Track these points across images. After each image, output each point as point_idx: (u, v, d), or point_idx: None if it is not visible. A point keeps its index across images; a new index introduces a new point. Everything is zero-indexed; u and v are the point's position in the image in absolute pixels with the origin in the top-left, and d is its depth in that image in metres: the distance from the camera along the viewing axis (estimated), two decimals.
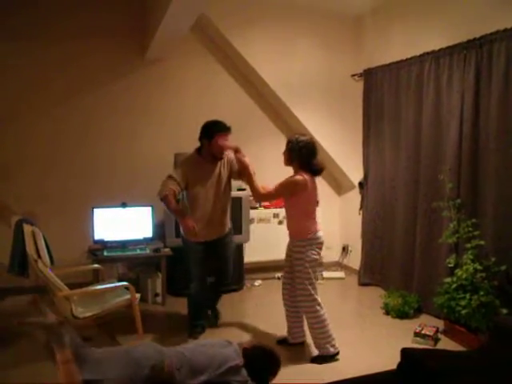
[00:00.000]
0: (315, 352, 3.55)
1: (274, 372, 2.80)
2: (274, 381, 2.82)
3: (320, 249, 3.56)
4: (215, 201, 3.73)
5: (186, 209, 3.77)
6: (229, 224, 3.95)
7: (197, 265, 3.85)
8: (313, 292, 3.46)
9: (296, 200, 3.48)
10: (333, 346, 3.48)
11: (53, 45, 4.77)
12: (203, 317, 4.05)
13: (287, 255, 3.69)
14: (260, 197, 3.68)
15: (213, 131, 3.63)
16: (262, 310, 4.56)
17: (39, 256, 3.42)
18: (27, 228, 3.47)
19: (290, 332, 3.74)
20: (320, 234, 3.55)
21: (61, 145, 4.94)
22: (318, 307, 3.47)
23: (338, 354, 3.50)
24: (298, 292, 3.51)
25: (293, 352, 3.63)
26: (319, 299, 3.49)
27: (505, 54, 3.65)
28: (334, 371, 3.31)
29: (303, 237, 3.48)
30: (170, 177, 3.63)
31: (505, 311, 3.54)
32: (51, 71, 4.83)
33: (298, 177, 3.43)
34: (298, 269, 3.48)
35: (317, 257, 3.52)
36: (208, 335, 3.93)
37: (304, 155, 3.44)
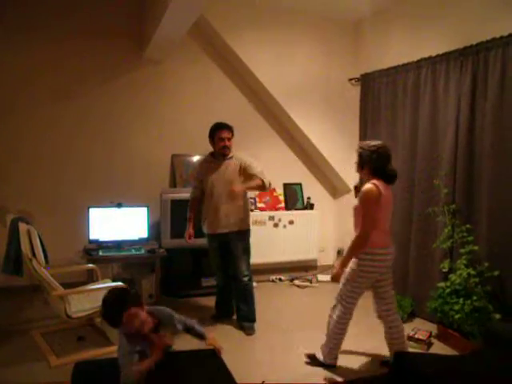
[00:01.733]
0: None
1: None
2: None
3: (381, 267, 3.19)
4: (220, 196, 4.01)
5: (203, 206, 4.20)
6: (242, 224, 4.09)
7: (212, 256, 4.28)
8: (347, 306, 3.24)
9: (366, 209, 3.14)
10: (330, 358, 3.36)
11: (48, 43, 4.75)
12: (221, 308, 4.39)
13: None
14: (360, 242, 3.12)
15: (213, 130, 4.07)
16: (258, 311, 4.57)
17: (34, 255, 3.42)
18: (22, 227, 3.47)
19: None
20: (388, 250, 3.20)
21: (57, 144, 4.92)
22: (342, 325, 3.29)
23: (332, 366, 3.38)
24: (337, 298, 3.30)
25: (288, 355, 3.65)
26: (349, 316, 3.29)
27: (501, 61, 3.69)
28: (327, 374, 3.32)
29: (364, 250, 3.13)
30: (193, 187, 4.28)
31: (497, 316, 3.56)
32: (48, 70, 4.81)
33: (369, 186, 3.11)
34: (347, 278, 3.21)
35: (372, 275, 3.18)
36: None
37: (375, 160, 3.14)
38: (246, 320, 4.13)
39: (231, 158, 4.07)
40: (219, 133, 4.01)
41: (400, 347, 3.26)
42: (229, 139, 4.03)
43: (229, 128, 4.05)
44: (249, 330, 4.06)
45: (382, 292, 3.29)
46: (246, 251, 4.14)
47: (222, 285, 4.32)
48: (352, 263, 3.18)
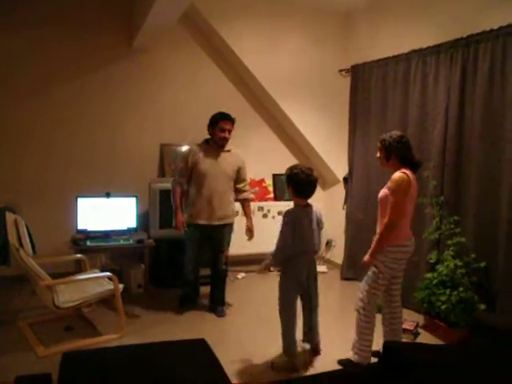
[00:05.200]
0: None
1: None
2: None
3: (404, 259, 3.19)
4: (216, 188, 3.99)
5: (188, 195, 4.11)
6: (231, 219, 4.18)
7: (191, 248, 4.15)
8: (371, 301, 3.18)
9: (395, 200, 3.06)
10: (361, 356, 3.22)
11: (33, 29, 4.65)
12: (190, 298, 4.36)
13: None
14: (388, 231, 3.05)
15: (217, 119, 3.98)
16: (245, 302, 4.59)
17: (21, 245, 3.39)
18: (9, 216, 3.43)
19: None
20: (410, 241, 3.20)
21: (45, 133, 4.86)
22: (366, 316, 3.19)
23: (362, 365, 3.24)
24: (359, 293, 3.23)
25: None
26: (372, 310, 3.21)
27: (490, 54, 3.71)
28: (316, 364, 3.35)
29: (391, 242, 3.09)
30: (179, 175, 4.10)
31: (483, 307, 3.61)
32: (33, 57, 4.73)
33: (400, 174, 3.07)
34: (372, 270, 3.16)
35: (397, 266, 3.16)
36: (209, 327, 3.95)
37: (402, 149, 3.14)
38: (219, 304, 4.27)
39: (229, 151, 4.09)
40: (222, 123, 3.95)
41: (397, 339, 3.29)
42: (229, 131, 4.01)
43: (232, 120, 4.02)
44: (221, 313, 4.21)
45: (394, 283, 3.29)
46: (229, 242, 4.27)
47: (193, 276, 4.28)
48: (377, 255, 3.13)
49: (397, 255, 3.12)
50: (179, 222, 4.07)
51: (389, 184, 3.11)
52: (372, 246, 3.14)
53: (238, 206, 5.26)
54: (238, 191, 4.23)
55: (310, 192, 3.26)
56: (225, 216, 4.09)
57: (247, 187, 4.31)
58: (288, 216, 3.23)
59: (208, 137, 4.08)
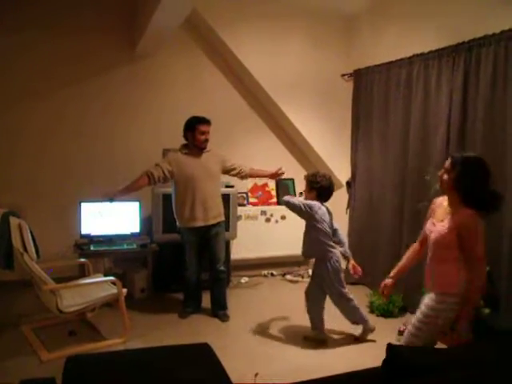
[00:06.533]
0: None
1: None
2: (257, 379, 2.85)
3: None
4: (205, 189, 4.10)
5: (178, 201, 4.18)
6: (222, 217, 4.29)
7: (190, 251, 4.23)
8: None
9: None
10: None
11: (35, 30, 4.69)
12: (194, 302, 4.37)
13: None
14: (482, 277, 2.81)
15: (194, 123, 4.10)
16: (248, 306, 4.59)
17: (25, 249, 3.41)
18: (13, 221, 3.45)
19: None
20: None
21: (49, 138, 4.89)
22: None
23: None
24: None
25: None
26: None
27: (492, 58, 3.70)
28: (319, 368, 3.34)
29: (453, 290, 2.67)
30: (156, 165, 4.13)
31: (487, 311, 3.60)
32: (36, 60, 4.77)
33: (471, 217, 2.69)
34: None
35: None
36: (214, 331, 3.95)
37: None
38: (220, 308, 4.31)
39: (209, 151, 4.21)
40: (201, 126, 4.09)
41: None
42: (208, 133, 4.14)
43: (209, 122, 4.16)
44: (224, 317, 4.25)
45: None
46: (225, 240, 4.40)
47: (195, 279, 4.31)
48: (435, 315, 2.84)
49: (456, 308, 2.75)
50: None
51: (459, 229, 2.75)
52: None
53: (239, 209, 5.28)
54: (237, 175, 4.40)
55: (329, 197, 3.80)
56: (218, 214, 4.24)
57: (238, 165, 4.39)
58: (313, 207, 3.67)
59: (185, 142, 4.20)
